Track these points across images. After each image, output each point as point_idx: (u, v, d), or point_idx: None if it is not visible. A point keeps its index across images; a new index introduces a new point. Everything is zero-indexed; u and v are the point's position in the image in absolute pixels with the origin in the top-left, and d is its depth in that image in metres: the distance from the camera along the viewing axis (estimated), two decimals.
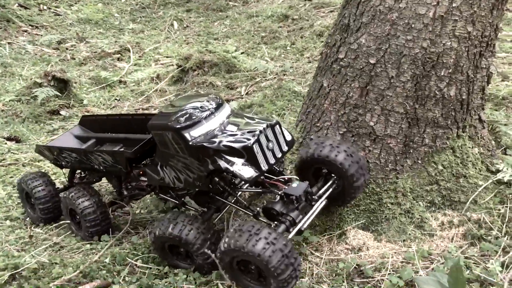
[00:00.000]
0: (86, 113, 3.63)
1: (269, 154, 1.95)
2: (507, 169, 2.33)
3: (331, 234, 2.25)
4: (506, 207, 2.25)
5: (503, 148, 2.57)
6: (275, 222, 1.96)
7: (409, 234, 2.19)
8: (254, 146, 1.88)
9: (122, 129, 2.71)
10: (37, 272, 2.17)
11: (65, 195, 2.51)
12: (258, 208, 2.13)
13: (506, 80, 3.53)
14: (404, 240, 2.18)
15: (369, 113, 2.25)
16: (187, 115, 1.93)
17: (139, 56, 5.80)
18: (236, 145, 1.88)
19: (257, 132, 1.92)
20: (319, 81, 2.42)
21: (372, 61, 2.19)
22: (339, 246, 2.19)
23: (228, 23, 6.28)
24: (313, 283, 2.00)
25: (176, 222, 2.02)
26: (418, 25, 2.08)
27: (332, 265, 2.09)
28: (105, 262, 2.17)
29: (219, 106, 2.01)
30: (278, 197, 2.02)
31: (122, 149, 2.58)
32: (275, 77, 4.71)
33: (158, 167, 2.09)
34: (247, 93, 4.53)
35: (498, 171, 2.35)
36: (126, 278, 2.08)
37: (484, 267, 1.98)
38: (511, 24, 4.68)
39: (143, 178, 2.39)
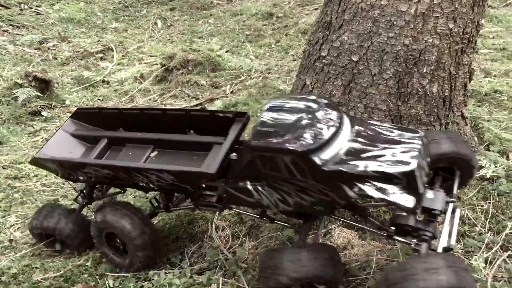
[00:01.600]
0: (81, 107, 2.93)
1: (422, 173, 1.64)
2: (489, 165, 2.34)
3: (315, 233, 2.23)
4: (489, 203, 2.26)
5: (486, 144, 2.58)
6: (414, 240, 1.72)
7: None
8: (415, 170, 1.57)
9: (140, 126, 2.31)
10: (16, 277, 2.12)
11: (99, 218, 2.10)
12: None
13: (488, 77, 3.56)
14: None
15: (352, 111, 2.24)
16: (311, 134, 1.64)
17: (123, 56, 5.73)
18: (392, 171, 1.57)
19: (416, 153, 1.61)
20: (302, 79, 2.41)
21: (354, 59, 2.18)
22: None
23: (212, 21, 6.23)
24: None
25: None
26: (399, 22, 2.08)
27: None
28: (87, 265, 2.13)
29: (340, 117, 1.72)
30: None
31: (188, 167, 2.01)
32: (260, 76, 4.68)
33: (249, 187, 1.81)
34: (232, 92, 4.50)
35: (481, 167, 2.36)
36: (109, 282, 2.05)
37: (468, 263, 1.99)
38: (493, 21, 4.72)
39: (208, 193, 2.00)
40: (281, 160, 1.65)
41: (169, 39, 6.00)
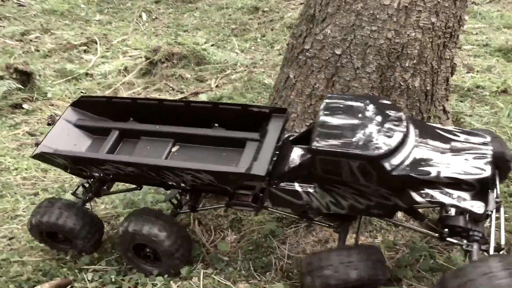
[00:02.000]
0: (84, 95, 2.55)
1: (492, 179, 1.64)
2: None
3: (298, 226, 2.23)
4: None
5: None
6: (465, 241, 1.72)
7: (375, 225, 2.19)
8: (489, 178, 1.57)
9: (154, 118, 2.13)
10: None
11: (126, 231, 1.94)
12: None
13: (471, 72, 3.59)
14: (370, 231, 2.18)
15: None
16: (381, 138, 1.60)
17: (107, 48, 5.65)
18: (467, 177, 1.57)
19: (489, 160, 1.61)
20: (286, 73, 2.40)
21: (337, 52, 2.18)
22: (306, 239, 2.17)
23: (198, 15, 6.18)
24: (279, 277, 1.99)
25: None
26: (382, 16, 2.07)
27: (299, 257, 2.08)
28: (66, 259, 2.10)
29: (406, 120, 1.68)
30: (451, 211, 1.78)
31: (224, 166, 1.87)
32: (245, 70, 4.66)
33: (298, 189, 1.75)
34: (217, 86, 4.48)
35: None
36: (88, 276, 2.02)
37: (448, 256, 2.01)
38: (477, 17, 4.76)
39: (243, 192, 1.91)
40: (346, 165, 1.60)
41: (154, 32, 5.94)
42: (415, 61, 2.14)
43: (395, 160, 1.59)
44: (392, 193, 1.63)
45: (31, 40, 5.89)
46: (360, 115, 1.70)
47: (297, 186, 1.75)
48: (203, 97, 4.09)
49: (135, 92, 4.61)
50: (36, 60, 5.36)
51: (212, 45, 5.32)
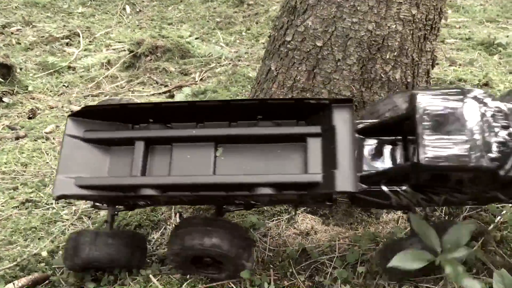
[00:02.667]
0: (89, 105, 2.23)
1: None
2: None
3: (279, 219, 2.23)
4: None
5: None
6: None
7: (356, 217, 2.20)
8: None
9: (181, 120, 1.85)
10: None
11: (184, 244, 1.76)
12: None
13: (453, 65, 3.61)
14: (351, 224, 2.18)
15: (317, 96, 2.23)
16: (496, 143, 1.46)
17: (90, 41, 5.58)
18: None
19: None
20: (267, 65, 2.38)
21: (319, 44, 2.17)
22: (288, 231, 2.17)
23: (183, 7, 6.13)
24: (260, 269, 1.98)
25: None
26: (363, 8, 2.07)
27: (280, 250, 2.07)
28: (43, 254, 2.07)
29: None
30: None
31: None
32: (230, 63, 4.64)
33: (385, 190, 1.64)
34: (201, 79, 4.45)
35: None
36: (66, 272, 2.00)
37: None
38: (460, 11, 4.79)
39: None
40: (457, 176, 1.49)
41: (138, 25, 5.88)
42: (395, 53, 2.14)
43: (509, 164, 1.48)
44: (495, 189, 1.57)
45: (12, 33, 5.79)
46: (462, 116, 1.53)
47: (383, 187, 1.64)
48: (187, 91, 4.05)
49: (118, 86, 4.56)
50: (17, 53, 5.27)
51: (196, 38, 5.29)
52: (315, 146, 1.72)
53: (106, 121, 1.85)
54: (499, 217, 2.08)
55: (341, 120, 1.70)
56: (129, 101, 2.23)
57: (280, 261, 2.01)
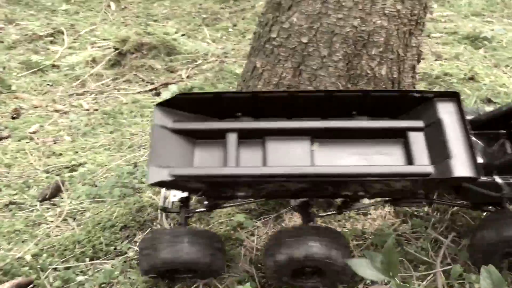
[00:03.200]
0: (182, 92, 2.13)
1: None
2: None
3: (267, 217, 2.22)
4: None
5: None
6: None
7: (344, 214, 2.19)
8: None
9: (272, 112, 1.80)
10: None
11: (290, 256, 1.65)
12: None
13: (439, 60, 3.62)
14: (338, 220, 2.18)
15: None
16: None
17: (74, 39, 5.50)
18: None
19: None
20: (252, 62, 2.36)
21: (304, 40, 2.15)
22: (275, 230, 2.16)
23: (168, 4, 6.07)
24: (247, 269, 1.97)
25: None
26: (348, 3, 2.05)
27: None
28: (26, 258, 2.04)
29: None
30: None
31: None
32: (216, 60, 4.61)
33: (499, 181, 1.67)
34: (187, 76, 4.42)
35: None
36: (50, 277, 1.97)
37: (416, 245, 2.02)
38: (445, 5, 4.80)
39: None
40: None
41: (123, 22, 5.81)
42: (381, 49, 2.13)
43: None
44: None
45: None
46: None
47: (497, 179, 1.64)
48: (173, 88, 4.02)
49: (104, 84, 4.50)
50: (0, 51, 5.18)
51: (182, 35, 5.24)
52: (418, 140, 1.69)
53: (193, 113, 1.79)
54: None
55: (448, 113, 1.68)
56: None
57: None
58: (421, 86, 3.14)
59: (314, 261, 1.65)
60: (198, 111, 1.80)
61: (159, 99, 3.89)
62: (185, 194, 1.86)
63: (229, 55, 4.67)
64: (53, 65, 4.92)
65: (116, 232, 2.20)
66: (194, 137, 1.77)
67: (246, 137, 1.76)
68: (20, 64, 4.93)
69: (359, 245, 2.04)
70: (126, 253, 2.11)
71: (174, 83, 4.26)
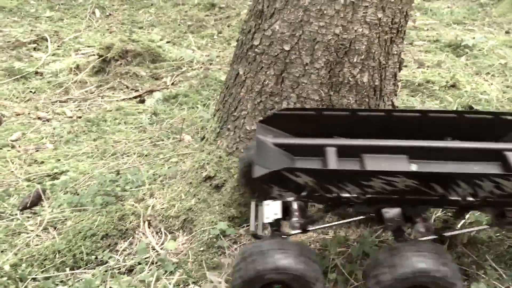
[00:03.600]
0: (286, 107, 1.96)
1: None
2: None
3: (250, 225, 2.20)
4: None
5: None
6: None
7: (327, 221, 2.19)
8: None
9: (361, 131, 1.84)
10: None
11: (409, 270, 1.50)
12: None
13: (422, 67, 3.66)
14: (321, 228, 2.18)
15: (285, 101, 2.22)
16: None
17: (58, 46, 5.47)
18: None
19: None
20: (235, 69, 2.36)
21: (286, 48, 2.16)
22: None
23: (153, 11, 6.07)
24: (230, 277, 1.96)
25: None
26: (330, 12, 2.07)
27: None
28: (4, 268, 2.00)
29: None
30: None
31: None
32: (201, 67, 4.61)
33: None
34: (172, 83, 4.41)
35: None
36: (29, 285, 1.93)
37: None
38: (428, 13, 4.87)
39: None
40: None
41: (107, 29, 5.79)
42: (363, 57, 2.15)
43: None
44: None
45: None
46: None
47: None
48: (157, 95, 4.01)
49: (88, 91, 4.47)
50: None
51: (167, 42, 5.24)
52: None
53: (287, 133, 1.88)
54: (466, 217, 2.11)
55: None
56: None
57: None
58: (403, 94, 3.17)
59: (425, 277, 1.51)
60: (291, 131, 1.89)
61: (143, 106, 3.89)
62: (279, 215, 1.76)
63: (214, 62, 4.67)
64: (36, 72, 4.88)
65: (97, 241, 2.17)
66: (293, 154, 1.82)
67: (343, 154, 1.78)
68: (2, 71, 4.87)
69: (342, 252, 2.04)
70: (107, 262, 2.08)
71: (158, 90, 4.24)
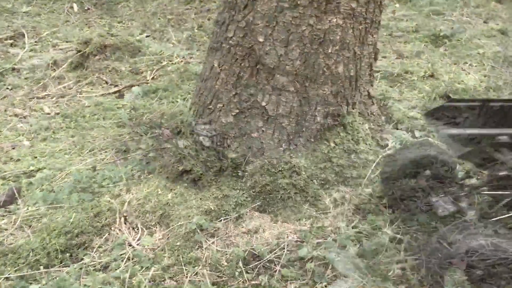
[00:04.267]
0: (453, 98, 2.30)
1: None
2: (395, 143, 2.40)
3: (227, 218, 2.19)
4: None
5: (394, 123, 2.65)
6: None
7: (304, 213, 2.19)
8: None
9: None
10: None
11: None
12: None
13: (400, 58, 3.66)
14: (299, 219, 2.17)
15: (261, 92, 2.21)
16: None
17: (35, 41, 5.37)
18: None
19: None
20: (210, 62, 2.34)
21: (260, 39, 2.14)
22: (236, 230, 2.14)
23: (133, 5, 5.98)
24: (208, 271, 1.94)
25: None
26: (303, 2, 2.05)
27: (228, 250, 2.04)
28: None
29: None
30: None
31: None
32: (181, 61, 4.56)
33: None
34: (152, 78, 4.35)
35: (387, 145, 2.41)
36: (3, 284, 1.90)
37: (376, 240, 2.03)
38: (408, 4, 4.88)
39: None
40: None
41: (86, 24, 5.69)
42: (337, 47, 2.14)
43: None
44: None
45: None
46: None
47: None
48: (137, 90, 3.95)
49: (66, 87, 4.39)
50: None
51: (147, 36, 5.17)
52: None
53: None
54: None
55: None
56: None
57: (229, 262, 1.97)
58: (382, 84, 3.17)
59: None
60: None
61: (122, 101, 3.84)
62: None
63: (194, 56, 4.63)
64: (13, 69, 4.78)
65: (72, 238, 2.13)
66: (463, 144, 1.80)
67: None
68: None
69: (319, 243, 2.04)
70: (82, 259, 2.05)
71: (138, 85, 4.19)
